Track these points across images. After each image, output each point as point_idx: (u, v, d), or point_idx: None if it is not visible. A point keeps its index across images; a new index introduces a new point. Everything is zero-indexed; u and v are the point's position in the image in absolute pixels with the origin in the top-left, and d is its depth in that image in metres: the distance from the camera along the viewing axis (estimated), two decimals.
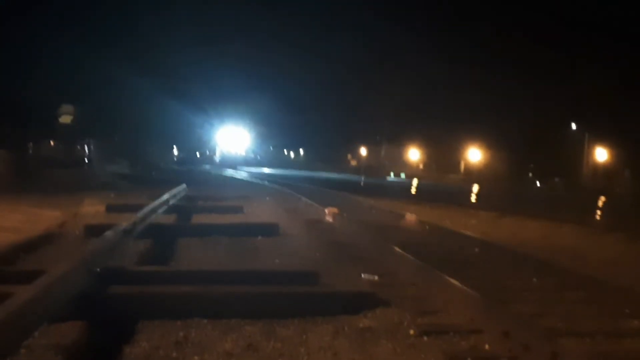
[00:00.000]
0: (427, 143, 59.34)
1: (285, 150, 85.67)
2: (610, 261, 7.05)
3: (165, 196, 9.52)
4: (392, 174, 48.51)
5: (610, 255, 7.68)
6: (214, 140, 64.22)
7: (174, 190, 11.32)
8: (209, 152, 68.21)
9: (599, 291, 4.81)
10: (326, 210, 9.43)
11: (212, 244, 6.57)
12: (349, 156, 71.06)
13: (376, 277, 5.04)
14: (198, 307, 3.75)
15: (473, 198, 19.97)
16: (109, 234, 4.79)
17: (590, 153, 45.87)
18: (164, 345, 3.25)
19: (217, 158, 63.10)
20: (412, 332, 3.62)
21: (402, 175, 25.17)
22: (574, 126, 45.97)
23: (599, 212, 15.36)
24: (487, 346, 3.39)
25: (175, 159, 72.32)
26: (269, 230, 7.32)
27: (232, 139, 61.55)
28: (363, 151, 68.19)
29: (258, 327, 3.58)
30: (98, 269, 3.95)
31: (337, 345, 3.36)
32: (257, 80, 70.20)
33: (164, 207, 8.95)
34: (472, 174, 50.03)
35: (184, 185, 13.48)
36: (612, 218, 13.51)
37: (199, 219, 8.94)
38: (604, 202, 20.53)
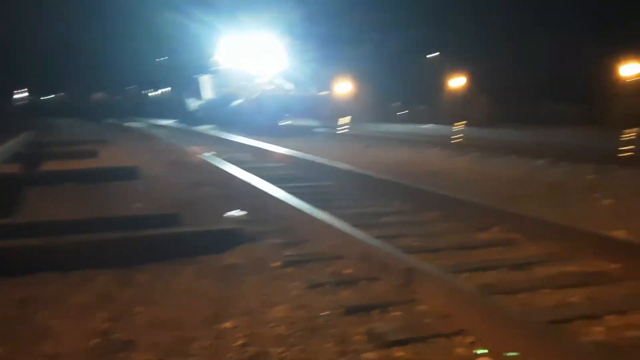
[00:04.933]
0: (302, 78, 59.07)
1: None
2: (465, 180, 7.52)
3: (8, 144, 8.67)
4: None
5: (466, 174, 8.19)
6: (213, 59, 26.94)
7: (19, 137, 10.38)
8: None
9: (453, 209, 5.09)
10: (189, 150, 9.15)
11: (62, 193, 6.12)
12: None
13: (242, 213, 4.97)
14: (46, 261, 3.46)
15: (344, 130, 20.38)
16: None
17: (449, 80, 48.36)
18: (5, 305, 2.97)
19: (198, 102, 27.27)
20: (277, 264, 3.61)
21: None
22: (433, 55, 47.93)
23: (458, 135, 16.35)
24: (348, 270, 3.47)
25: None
26: (127, 173, 6.95)
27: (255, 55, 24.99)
28: None
29: (113, 276, 3.38)
30: None
31: (199, 286, 3.26)
32: None
33: (5, 156, 8.15)
34: (341, 107, 50.92)
35: (30, 132, 12.40)
36: (470, 140, 14.44)
37: (47, 166, 8.29)
38: (464, 126, 21.91)
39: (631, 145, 12.12)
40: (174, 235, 3.88)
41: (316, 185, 6.97)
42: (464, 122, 24.82)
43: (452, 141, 14.28)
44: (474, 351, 2.39)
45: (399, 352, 2.43)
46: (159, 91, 45.90)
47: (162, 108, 38.28)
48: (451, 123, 22.56)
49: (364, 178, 6.93)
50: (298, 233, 4.35)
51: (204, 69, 27.07)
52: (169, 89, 37.89)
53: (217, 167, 7.74)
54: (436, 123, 23.86)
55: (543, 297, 3.14)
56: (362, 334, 2.59)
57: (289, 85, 22.96)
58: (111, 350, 2.49)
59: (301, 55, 27.12)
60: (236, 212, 5.01)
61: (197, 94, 27.57)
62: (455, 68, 46.89)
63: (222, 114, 23.41)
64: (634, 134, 20.17)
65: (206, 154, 9.02)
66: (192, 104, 28.31)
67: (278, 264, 3.62)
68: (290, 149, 10.41)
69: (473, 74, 45.96)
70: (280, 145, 11.08)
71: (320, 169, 8.07)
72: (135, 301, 3.02)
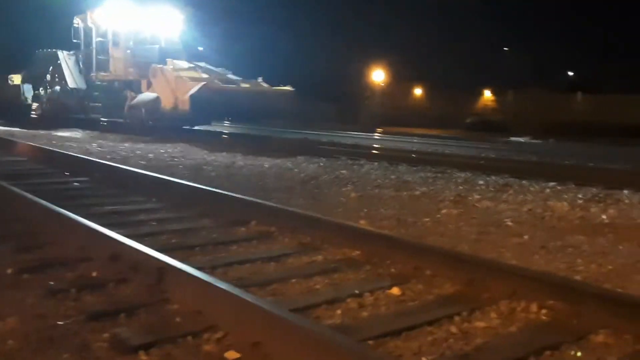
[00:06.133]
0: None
1: None
2: (228, 175, 7.61)
3: None
4: None
5: (230, 169, 8.30)
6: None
7: None
8: None
9: (214, 203, 5.09)
10: None
11: None
12: None
13: None
14: None
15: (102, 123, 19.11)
16: None
17: None
18: None
19: (41, 92, 18.94)
20: (10, 271, 3.21)
21: None
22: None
23: (225, 133, 16.58)
24: (94, 273, 3.23)
25: None
26: None
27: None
28: None
29: None
30: None
31: None
32: None
33: None
34: None
35: None
36: (236, 138, 14.71)
37: None
38: (230, 123, 22.28)
39: (379, 143, 13.53)
40: None
41: (60, 181, 6.43)
42: (230, 119, 25.16)
43: (218, 138, 14.38)
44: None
45: (144, 357, 2.32)
46: None
47: None
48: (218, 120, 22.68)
49: (119, 172, 6.58)
50: (41, 235, 3.93)
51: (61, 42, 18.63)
52: None
53: None
54: None
55: (293, 286, 3.29)
56: (105, 341, 2.43)
57: (231, 76, 15.52)
58: None
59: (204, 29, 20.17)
60: None
61: (40, 80, 18.68)
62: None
63: (104, 110, 16.47)
64: (381, 132, 22.67)
65: None
66: (29, 93, 19.27)
67: (10, 271, 3.21)
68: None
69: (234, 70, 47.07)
70: None
71: (72, 162, 7.45)
72: None
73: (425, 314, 2.85)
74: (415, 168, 8.93)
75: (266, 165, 8.94)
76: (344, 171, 8.48)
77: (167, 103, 14.34)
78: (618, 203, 6.24)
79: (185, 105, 13.67)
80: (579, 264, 3.85)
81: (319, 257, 3.84)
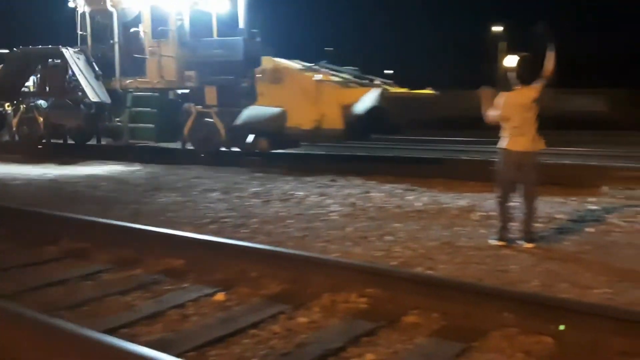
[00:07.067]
0: None
1: None
2: (39, 187, 6.97)
3: None
4: None
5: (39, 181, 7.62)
6: None
7: None
8: None
9: (17, 222, 4.62)
10: None
11: None
12: None
13: None
14: None
15: None
16: None
17: None
18: None
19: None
20: None
21: None
22: None
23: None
24: None
25: None
26: None
27: None
28: None
29: None
30: None
31: None
32: None
33: None
34: None
35: None
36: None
37: None
38: None
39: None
40: None
41: None
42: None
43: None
44: None
45: None
46: None
47: None
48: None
49: None
50: None
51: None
52: None
53: None
54: None
55: (109, 304, 3.07)
56: None
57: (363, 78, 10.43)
58: None
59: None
60: None
61: (10, 92, 12.86)
62: None
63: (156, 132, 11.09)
64: None
65: None
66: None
67: None
68: None
69: None
70: None
71: None
72: None
73: (249, 317, 2.82)
74: (244, 169, 8.90)
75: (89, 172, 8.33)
76: (171, 177, 8.18)
77: (300, 120, 9.47)
78: (431, 190, 6.78)
79: (336, 122, 9.08)
80: (395, 250, 4.09)
81: (138, 271, 3.64)
